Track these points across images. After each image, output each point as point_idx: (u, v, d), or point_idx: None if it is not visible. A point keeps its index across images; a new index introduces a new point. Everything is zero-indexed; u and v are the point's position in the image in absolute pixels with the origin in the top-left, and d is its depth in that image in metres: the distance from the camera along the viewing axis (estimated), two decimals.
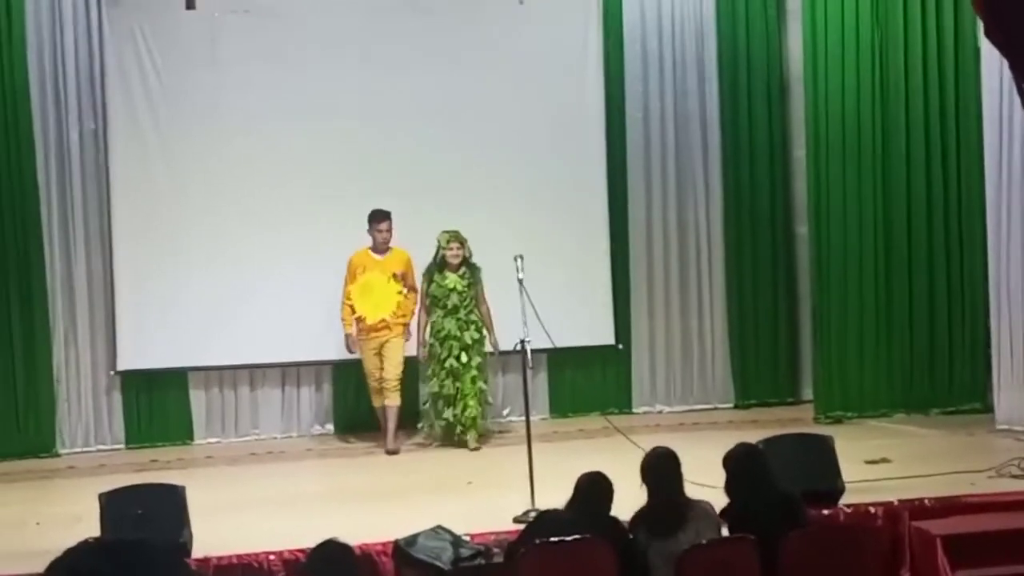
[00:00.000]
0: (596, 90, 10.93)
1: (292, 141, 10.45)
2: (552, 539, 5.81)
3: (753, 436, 7.19)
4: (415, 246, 9.86)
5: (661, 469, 6.10)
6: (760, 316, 11.14)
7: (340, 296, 9.83)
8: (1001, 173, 9.40)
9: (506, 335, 9.15)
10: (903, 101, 10.19)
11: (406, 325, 9.86)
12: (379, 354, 9.77)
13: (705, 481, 6.54)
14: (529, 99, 10.77)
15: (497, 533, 6.86)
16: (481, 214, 10.29)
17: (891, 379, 10.29)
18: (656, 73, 11.10)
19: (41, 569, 5.63)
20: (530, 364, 7.99)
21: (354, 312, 9.73)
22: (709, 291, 11.20)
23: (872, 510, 7.18)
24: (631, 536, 6.00)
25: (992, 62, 9.01)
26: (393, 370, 9.77)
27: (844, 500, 7.27)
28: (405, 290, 9.79)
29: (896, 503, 7.22)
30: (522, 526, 6.60)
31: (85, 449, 10.41)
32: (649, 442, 7.56)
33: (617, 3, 11.00)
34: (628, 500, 6.12)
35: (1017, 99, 6.72)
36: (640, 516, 6.05)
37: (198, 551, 6.82)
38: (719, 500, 6.26)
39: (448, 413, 9.75)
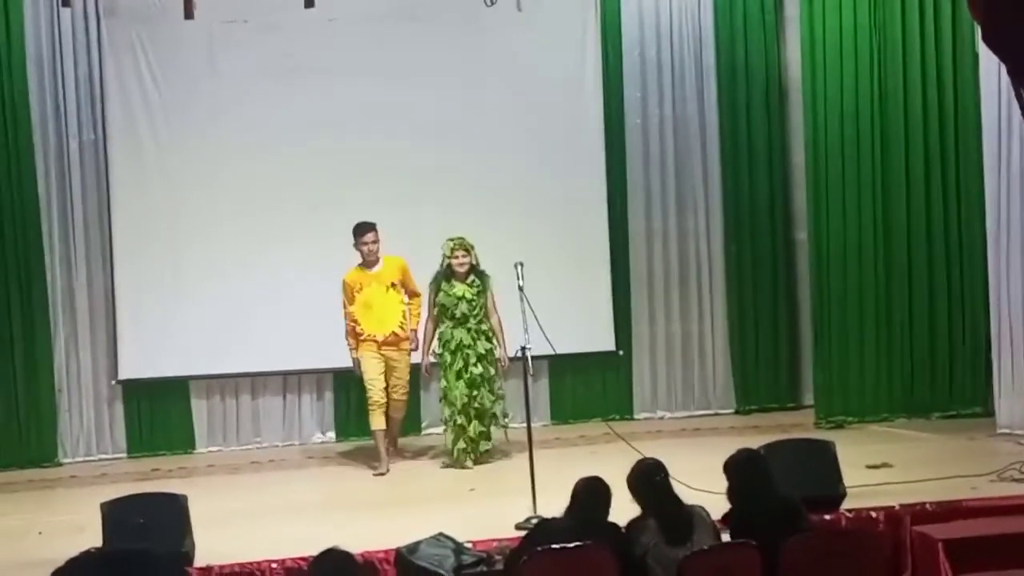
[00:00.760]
0: (595, 97, 10.92)
1: (292, 151, 10.46)
2: (554, 546, 5.81)
3: (754, 442, 7.20)
4: (416, 258, 9.61)
5: (659, 483, 6.08)
6: (760, 321, 11.13)
7: (341, 317, 9.50)
8: (1000, 179, 9.40)
9: (507, 342, 9.21)
10: (902, 107, 10.18)
11: (414, 330, 9.52)
12: (387, 368, 9.44)
13: (706, 487, 6.54)
14: (528, 107, 10.77)
15: (499, 540, 6.85)
16: (481, 222, 10.22)
17: (892, 384, 10.28)
18: (655, 80, 11.10)
19: None
20: (531, 371, 7.99)
21: (360, 333, 9.41)
22: (709, 296, 11.20)
23: (874, 515, 7.17)
24: (630, 542, 5.99)
25: (990, 68, 9.01)
26: (403, 388, 9.53)
27: (845, 505, 7.27)
28: (407, 298, 9.53)
29: (898, 508, 7.21)
30: (524, 533, 6.60)
31: (87, 458, 10.41)
32: (650, 448, 7.58)
33: (616, 11, 11.00)
34: (628, 505, 6.11)
35: (1016, 105, 6.72)
36: (641, 524, 6.02)
37: (200, 560, 6.83)
38: (721, 506, 6.26)
39: (472, 429, 9.23)
